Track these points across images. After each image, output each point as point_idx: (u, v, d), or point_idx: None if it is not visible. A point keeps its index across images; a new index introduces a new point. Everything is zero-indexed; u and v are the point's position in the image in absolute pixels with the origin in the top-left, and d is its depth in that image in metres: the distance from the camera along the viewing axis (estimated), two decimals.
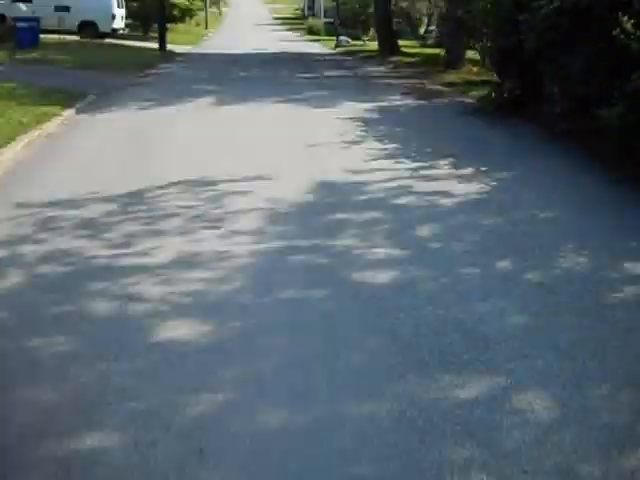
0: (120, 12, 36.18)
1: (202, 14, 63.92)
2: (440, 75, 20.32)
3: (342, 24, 55.94)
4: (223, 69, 23.23)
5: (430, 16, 54.20)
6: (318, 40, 46.21)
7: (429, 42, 52.77)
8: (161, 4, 31.86)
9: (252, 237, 6.33)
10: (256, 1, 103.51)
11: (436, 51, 31.84)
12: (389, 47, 28.81)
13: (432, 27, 55.67)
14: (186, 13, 45.24)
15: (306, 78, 19.90)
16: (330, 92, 16.27)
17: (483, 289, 5.29)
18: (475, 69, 21.06)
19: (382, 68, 23.95)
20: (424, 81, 19.31)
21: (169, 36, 44.01)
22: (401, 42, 35.30)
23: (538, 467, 3.37)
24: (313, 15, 72.75)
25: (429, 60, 27.34)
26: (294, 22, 70.06)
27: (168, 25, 49.91)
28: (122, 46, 32.86)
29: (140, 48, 32.06)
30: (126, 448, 3.45)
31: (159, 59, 26.95)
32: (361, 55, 30.31)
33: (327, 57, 30.78)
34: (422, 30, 55.73)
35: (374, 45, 39.48)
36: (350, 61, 27.89)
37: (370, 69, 23.78)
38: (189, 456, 3.40)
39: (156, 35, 43.32)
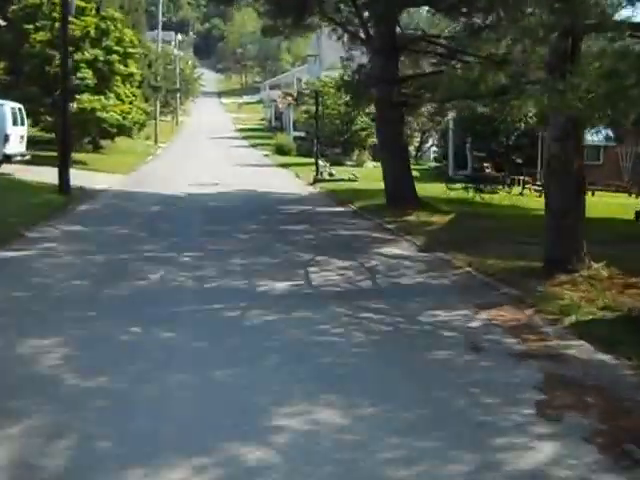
0: (19, 131, 26.14)
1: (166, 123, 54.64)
2: (543, 285, 10.24)
3: (318, 141, 47.13)
4: (132, 249, 13.07)
5: (424, 133, 45.28)
6: (289, 164, 36.67)
7: (431, 164, 43.69)
8: (63, 121, 21.90)
9: None
10: (218, 109, 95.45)
11: (464, 195, 22.25)
12: (402, 191, 19.00)
13: (428, 144, 46.80)
14: (122, 130, 35.56)
15: (276, 299, 9.64)
16: (355, 420, 5.95)
17: None
18: (605, 272, 11.05)
19: (410, 252, 13.69)
20: (527, 312, 9.20)
21: (98, 160, 34.20)
22: None
23: None
24: (281, 128, 64.01)
25: (463, 216, 17.60)
26: (259, 136, 61.15)
27: (103, 142, 40.35)
28: (10, 181, 22.83)
29: (35, 186, 21.91)
30: None
31: (38, 215, 16.64)
32: (358, 203, 20.38)
33: (306, 207, 20.77)
34: (412, 147, 46.80)
35: (367, 176, 29.95)
36: (344, 220, 17.85)
37: (386, 251, 13.70)
38: None
39: (81, 158, 33.53)
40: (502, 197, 21.31)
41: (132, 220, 17.07)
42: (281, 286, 10.34)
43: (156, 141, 49.66)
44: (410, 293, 10.31)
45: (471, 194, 21.43)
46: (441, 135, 39.72)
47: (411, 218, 17.19)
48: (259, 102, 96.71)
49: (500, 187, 22.79)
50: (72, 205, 19.52)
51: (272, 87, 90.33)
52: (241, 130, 69.73)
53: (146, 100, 42.95)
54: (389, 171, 19.31)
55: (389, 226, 16.50)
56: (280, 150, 44.54)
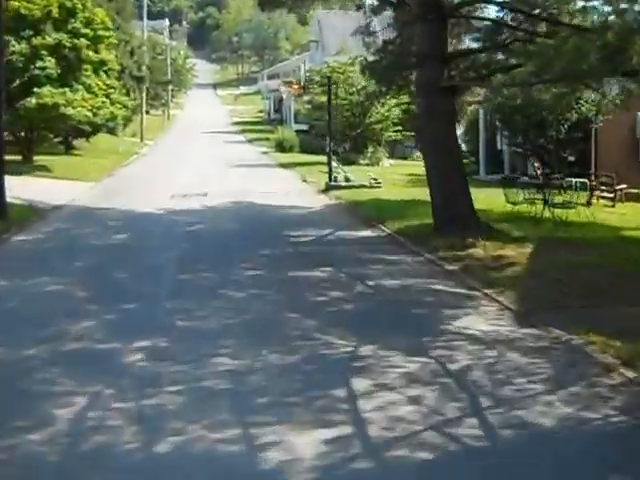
0: None
1: (159, 117, 49.18)
2: None
3: (321, 136, 42.07)
4: (53, 331, 7.93)
5: None
6: (293, 164, 31.42)
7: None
8: None
9: None
10: (214, 101, 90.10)
11: (525, 208, 16.92)
12: (456, 209, 13.75)
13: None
14: (97, 128, 30.32)
15: None
16: None
17: None
18: None
19: (506, 326, 8.25)
20: None
21: (67, 164, 28.70)
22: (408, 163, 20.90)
23: None
24: (281, 120, 58.74)
25: (545, 245, 12.50)
26: (257, 130, 55.86)
27: (75, 143, 35.07)
28: None
29: None
30: None
31: None
32: (392, 224, 15.09)
33: (323, 230, 15.38)
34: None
35: (387, 177, 24.81)
36: (382, 255, 12.50)
37: (468, 325, 8.37)
38: None
39: (46, 162, 28.33)
40: (578, 211, 16.03)
41: (78, 262, 11.91)
42: (308, 448, 5.14)
43: (142, 138, 44.44)
44: (565, 462, 5.11)
45: (538, 209, 16.06)
46: (467, 127, 34.45)
47: (477, 252, 11.98)
48: (257, 93, 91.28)
49: (570, 195, 17.39)
50: (6, 234, 14.38)
51: (270, 77, 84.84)
52: (238, 123, 64.43)
53: (128, 93, 37.67)
54: (438, 182, 14.01)
55: (450, 267, 11.28)
56: (281, 146, 39.16)
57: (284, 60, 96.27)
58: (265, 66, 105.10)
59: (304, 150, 38.26)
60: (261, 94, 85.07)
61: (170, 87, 68.66)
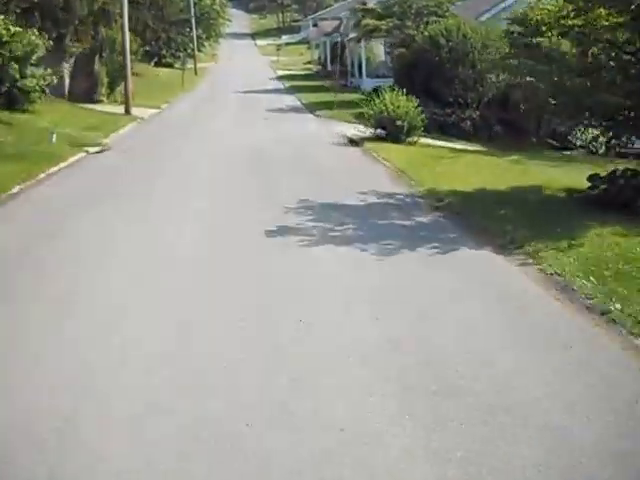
0: None
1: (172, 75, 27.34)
2: None
3: (430, 94, 20.84)
4: None
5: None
6: (482, 207, 9.54)
7: None
8: None
9: None
10: (252, 52, 67.68)
11: None
12: None
13: None
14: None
15: None
16: None
17: None
18: None
19: None
20: None
21: None
22: None
23: None
24: (345, 73, 36.54)
25: None
26: (313, 87, 33.63)
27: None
28: None
29: None
30: None
31: None
32: None
33: None
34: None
35: None
36: None
37: None
38: None
39: None
40: None
41: None
42: None
43: (127, 109, 22.70)
44: None
45: None
46: None
47: None
48: (302, 42, 68.82)
49: None
50: None
51: (316, 25, 62.07)
52: (283, 78, 42.29)
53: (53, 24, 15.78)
54: None
55: None
56: (389, 126, 16.73)
57: (328, 7, 73.15)
58: (308, 14, 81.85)
59: (438, 133, 16.57)
60: (308, 42, 62.63)
61: (194, 32, 46.58)
